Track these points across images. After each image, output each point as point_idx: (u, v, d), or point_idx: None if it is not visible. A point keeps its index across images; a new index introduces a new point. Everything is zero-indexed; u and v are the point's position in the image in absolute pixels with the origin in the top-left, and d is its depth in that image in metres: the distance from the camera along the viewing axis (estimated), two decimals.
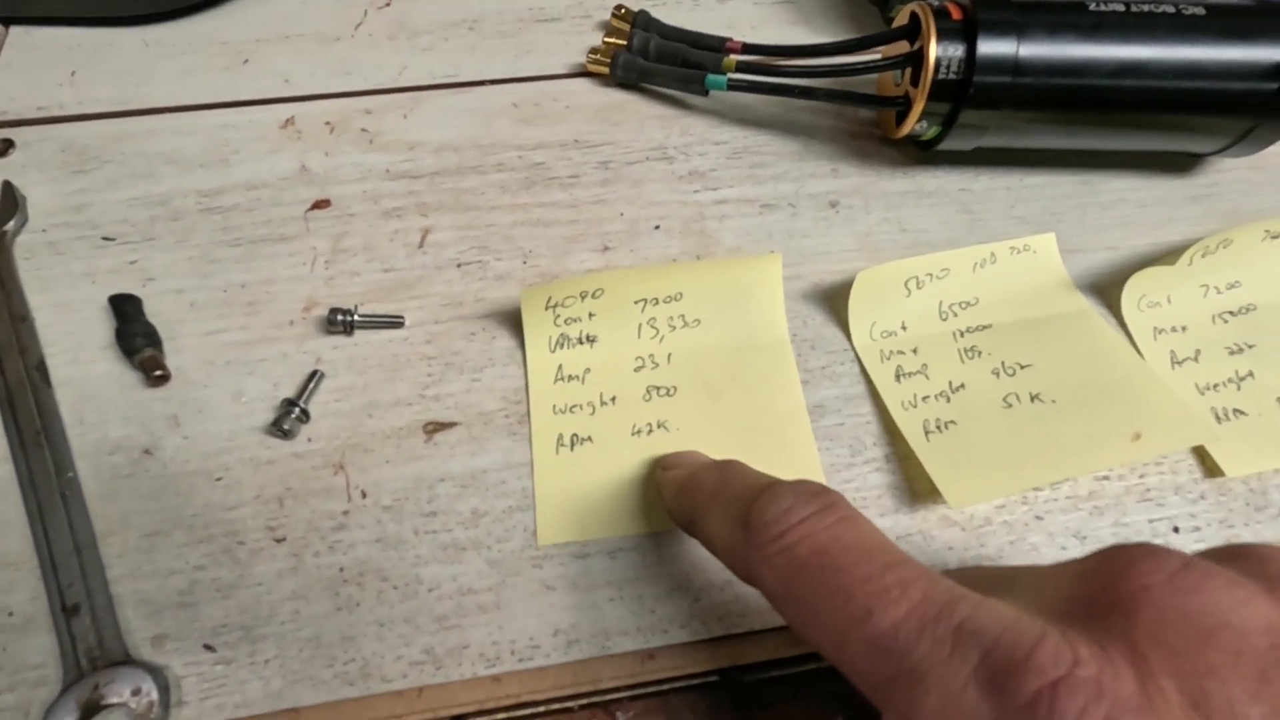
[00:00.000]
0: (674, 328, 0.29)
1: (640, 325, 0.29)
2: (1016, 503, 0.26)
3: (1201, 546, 0.25)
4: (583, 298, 0.28)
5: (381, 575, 0.24)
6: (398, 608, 0.23)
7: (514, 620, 0.23)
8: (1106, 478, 0.26)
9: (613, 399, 0.28)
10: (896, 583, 0.16)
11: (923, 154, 0.33)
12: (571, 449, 0.27)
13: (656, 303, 0.29)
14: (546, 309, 0.28)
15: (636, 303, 0.28)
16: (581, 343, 0.28)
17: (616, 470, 0.26)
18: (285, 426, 0.25)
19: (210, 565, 0.24)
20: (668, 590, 0.24)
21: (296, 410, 0.26)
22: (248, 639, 0.23)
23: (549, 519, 0.25)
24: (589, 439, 0.27)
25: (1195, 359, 0.29)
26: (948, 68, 0.29)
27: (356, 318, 0.28)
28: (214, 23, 0.37)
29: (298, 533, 0.24)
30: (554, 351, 0.28)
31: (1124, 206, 0.33)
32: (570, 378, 0.28)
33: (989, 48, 0.28)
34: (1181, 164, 0.34)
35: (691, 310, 0.29)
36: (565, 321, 0.28)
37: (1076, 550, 0.25)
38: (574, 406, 0.27)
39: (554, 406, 0.27)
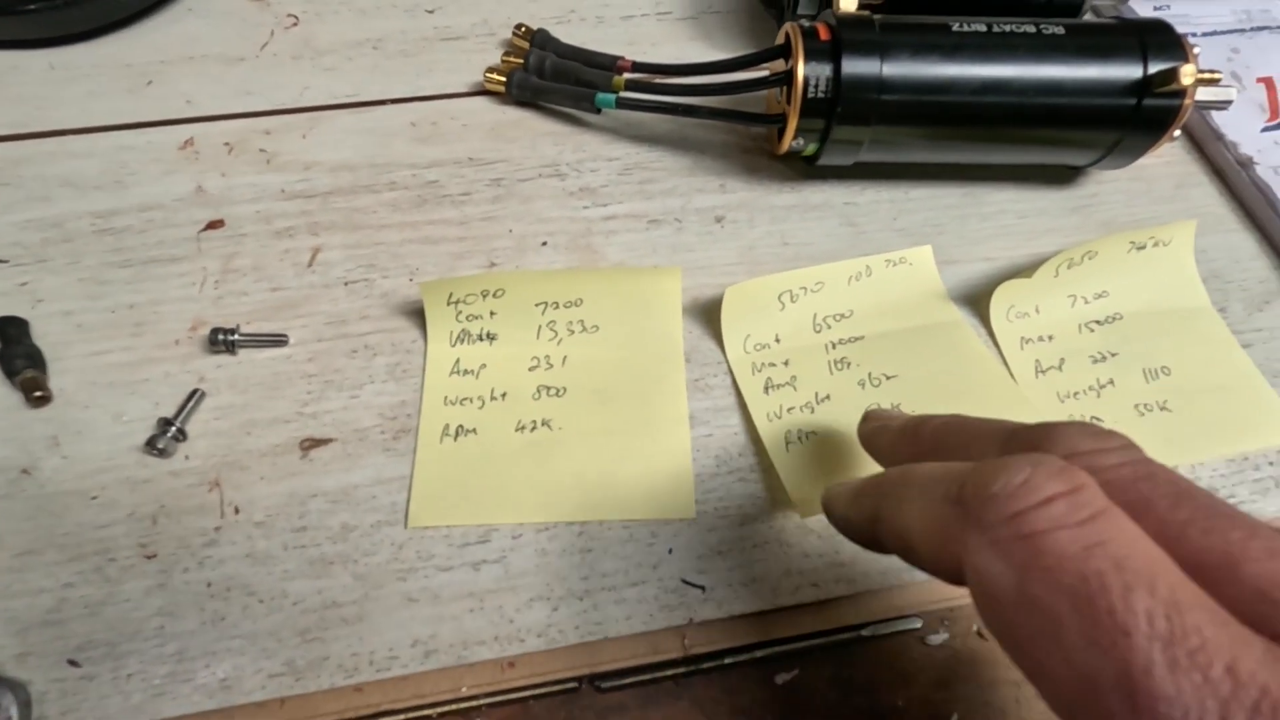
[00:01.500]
0: (572, 332, 0.29)
1: (540, 327, 0.29)
2: None
3: None
4: (484, 296, 0.29)
5: (248, 590, 0.24)
6: (262, 621, 0.24)
7: (375, 632, 0.24)
8: None
9: (503, 395, 0.28)
10: (1195, 634, 0.12)
11: (810, 169, 0.34)
12: (455, 439, 0.27)
13: (557, 306, 0.29)
14: (449, 304, 0.29)
15: (537, 305, 0.29)
16: (482, 339, 0.29)
17: (495, 462, 0.27)
18: (160, 445, 0.26)
19: (80, 583, 0.24)
20: (528, 600, 0.25)
21: (172, 429, 0.26)
22: (112, 655, 0.23)
23: (422, 504, 0.26)
24: (474, 431, 0.27)
25: (1059, 367, 0.30)
26: (816, 86, 0.30)
27: (238, 337, 0.28)
28: (120, 45, 0.37)
29: (168, 549, 0.25)
30: (454, 345, 0.29)
31: (1004, 217, 0.34)
32: (466, 372, 0.29)
33: (853, 67, 0.29)
34: (1063, 176, 0.35)
35: (591, 316, 0.29)
36: (467, 318, 0.29)
37: None
38: (465, 399, 0.28)
39: (445, 398, 0.28)
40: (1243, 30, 0.39)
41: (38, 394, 0.27)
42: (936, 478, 0.16)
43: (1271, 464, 0.28)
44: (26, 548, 0.25)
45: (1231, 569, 0.14)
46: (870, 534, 0.19)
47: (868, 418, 0.24)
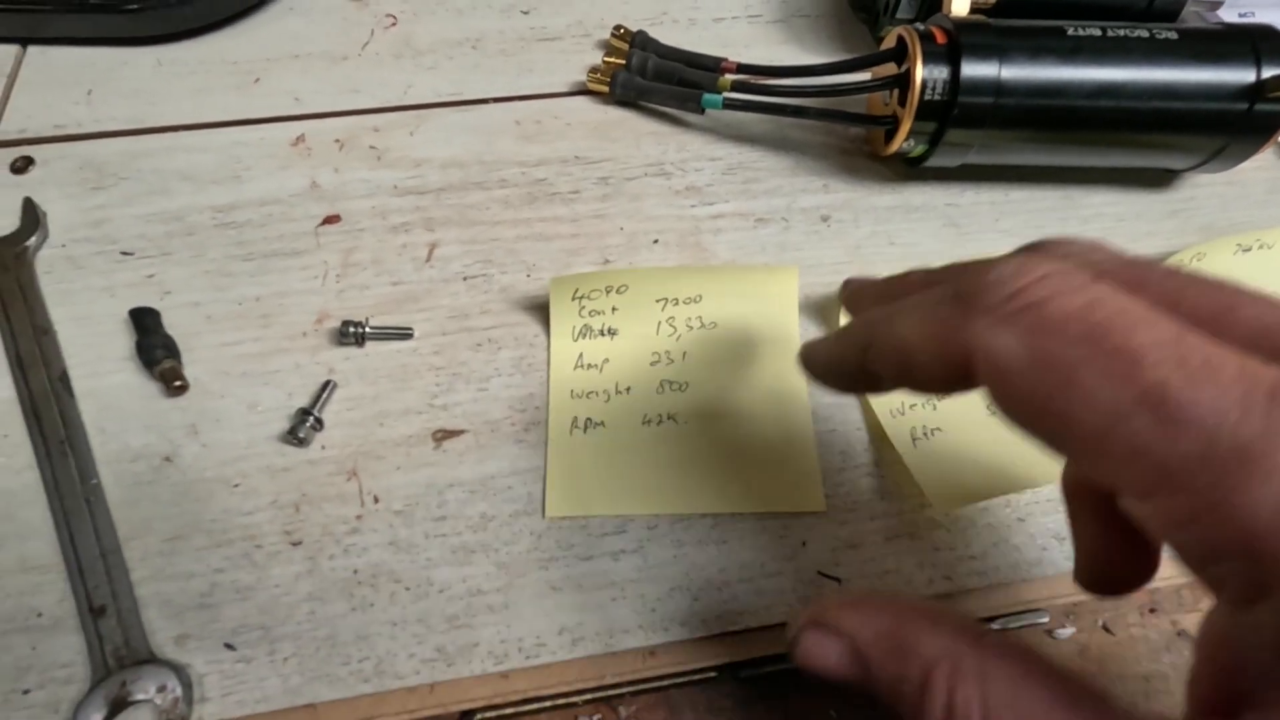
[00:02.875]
0: (691, 328, 0.30)
1: (660, 323, 0.30)
2: (1000, 505, 0.27)
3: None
4: (607, 292, 0.29)
5: (394, 577, 0.25)
6: (410, 608, 0.24)
7: (521, 620, 0.24)
8: None
9: (628, 389, 0.29)
10: (1198, 352, 0.13)
11: (910, 170, 0.35)
12: (585, 431, 0.28)
13: (677, 303, 0.30)
14: (573, 299, 0.29)
15: (658, 301, 0.30)
16: (603, 334, 0.30)
17: (625, 454, 0.27)
18: (300, 435, 0.26)
19: (229, 568, 0.25)
20: (668, 590, 0.25)
21: (311, 419, 0.27)
22: (266, 638, 0.24)
23: (557, 494, 0.26)
24: (602, 424, 0.28)
25: None
26: (933, 89, 0.30)
27: (368, 330, 0.29)
28: (224, 42, 0.38)
29: (313, 536, 0.25)
30: (576, 340, 0.29)
31: (1103, 220, 0.34)
32: (589, 366, 0.29)
33: (972, 70, 0.30)
34: (1159, 179, 0.35)
35: (710, 313, 0.30)
36: (589, 313, 0.29)
37: (1056, 551, 0.26)
38: (590, 393, 0.29)
39: (571, 391, 0.29)
40: None
41: (177, 383, 0.27)
42: (929, 292, 0.17)
43: None
44: (175, 533, 0.25)
45: (1228, 313, 0.15)
46: (859, 365, 0.19)
47: (848, 284, 0.25)
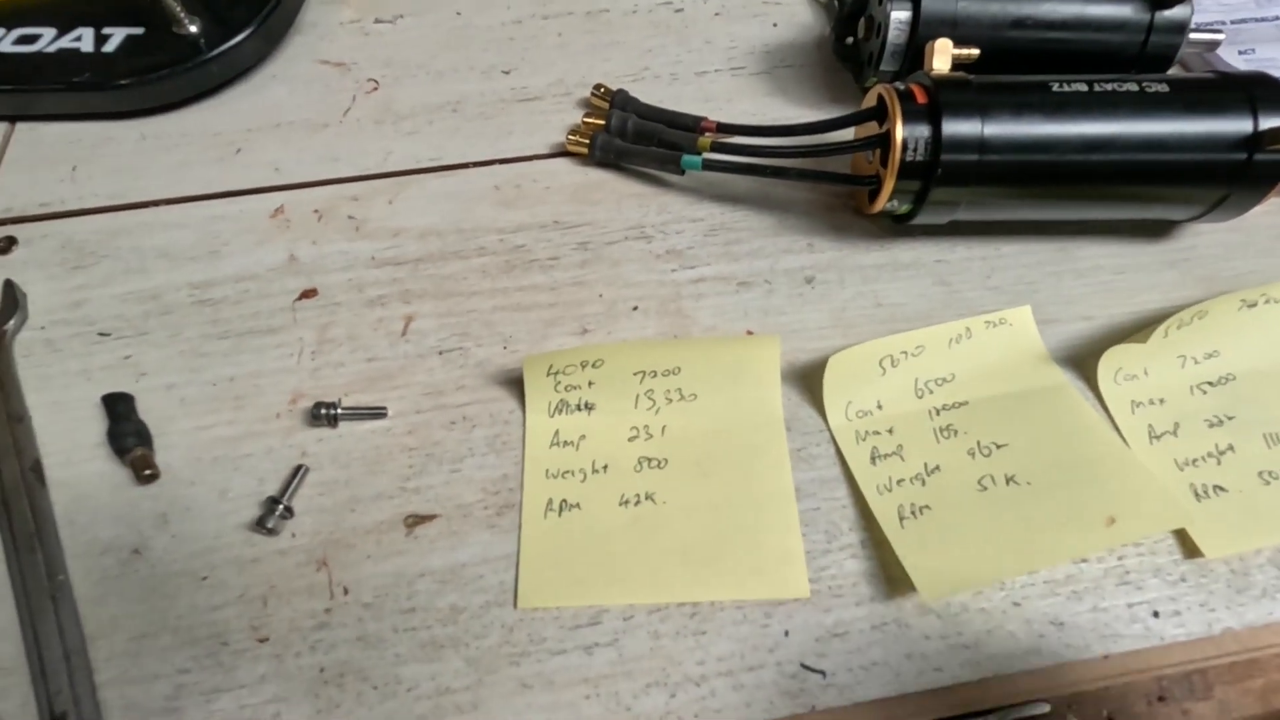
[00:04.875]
0: (670, 400, 0.29)
1: (638, 396, 0.29)
2: (994, 589, 0.25)
3: (1181, 632, 0.25)
4: (583, 366, 0.29)
5: (361, 675, 0.24)
6: (377, 709, 0.24)
7: None
8: (1085, 560, 0.26)
9: (604, 467, 0.28)
10: None
11: (898, 226, 0.34)
12: (559, 514, 0.27)
13: (655, 375, 0.29)
14: (548, 375, 0.29)
15: (635, 374, 0.29)
16: (579, 409, 0.29)
17: (601, 539, 0.26)
18: (269, 525, 0.26)
19: (195, 668, 0.24)
20: (644, 687, 0.24)
21: (280, 508, 0.26)
22: None
23: (530, 584, 0.25)
24: (577, 505, 0.27)
25: (1174, 432, 0.29)
26: (914, 149, 0.29)
27: (340, 411, 0.28)
28: (207, 114, 0.38)
29: (280, 632, 0.25)
30: (552, 416, 0.29)
31: (1100, 273, 0.33)
32: (565, 443, 0.28)
33: (954, 128, 0.29)
34: (1158, 228, 0.34)
35: (689, 385, 0.29)
36: (565, 389, 0.29)
37: (1055, 638, 0.25)
38: (566, 472, 0.28)
39: (547, 471, 0.28)
40: None
41: (147, 472, 0.27)
42: None
43: None
44: (142, 631, 0.25)
45: None
46: None
47: None
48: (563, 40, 0.41)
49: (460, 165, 0.36)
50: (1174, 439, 0.28)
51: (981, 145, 0.29)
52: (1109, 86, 0.29)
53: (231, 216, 0.34)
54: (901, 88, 0.30)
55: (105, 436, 0.28)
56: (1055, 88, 0.29)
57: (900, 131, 0.29)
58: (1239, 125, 0.29)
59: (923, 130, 0.29)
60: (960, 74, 0.30)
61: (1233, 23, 0.41)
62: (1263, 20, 0.41)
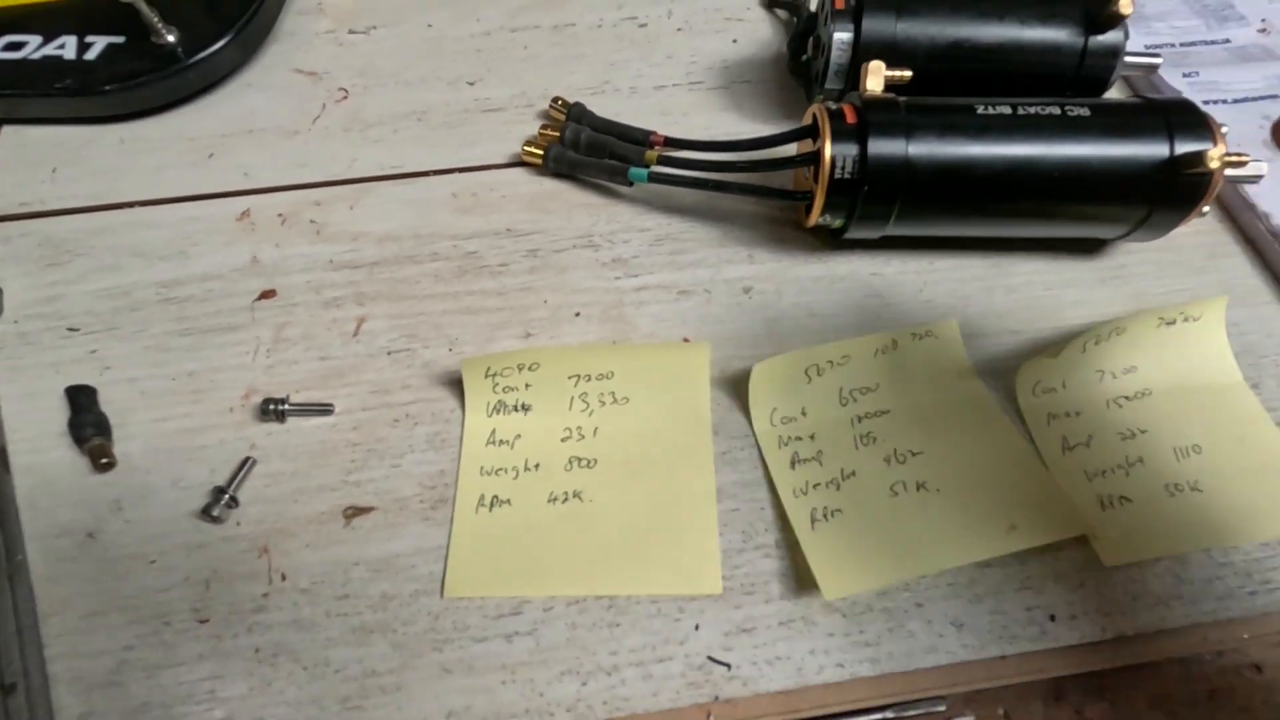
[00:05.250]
0: (603, 403, 0.30)
1: (572, 398, 0.30)
2: (899, 589, 0.27)
3: (1076, 635, 0.26)
4: (520, 369, 0.30)
5: (294, 656, 0.26)
6: (306, 688, 0.25)
7: (411, 702, 0.25)
8: (989, 564, 0.27)
9: (536, 465, 0.29)
10: None
11: (836, 240, 0.35)
12: (490, 509, 0.28)
13: (589, 379, 0.30)
14: (486, 377, 0.30)
15: (570, 377, 0.30)
16: (517, 410, 0.30)
17: (528, 534, 0.28)
18: (214, 513, 0.28)
19: (139, 645, 0.26)
20: (559, 674, 0.25)
21: (225, 498, 0.28)
22: (166, 718, 0.25)
23: (457, 574, 0.27)
24: (508, 501, 0.29)
25: (1086, 444, 0.30)
26: (843, 166, 0.30)
27: (288, 407, 0.30)
28: (185, 119, 0.40)
29: (220, 614, 0.26)
30: (490, 416, 0.30)
31: (1032, 289, 0.34)
32: (501, 442, 0.30)
33: (879, 148, 0.30)
34: (1091, 246, 0.35)
35: (621, 388, 0.30)
36: (503, 390, 0.30)
37: (954, 639, 0.26)
38: (499, 470, 0.29)
39: (482, 468, 0.29)
40: (1275, 96, 0.39)
41: (104, 460, 0.29)
42: None
43: None
44: (92, 609, 0.26)
45: None
46: None
47: None
48: (529, 53, 0.43)
49: (421, 173, 0.38)
50: (1086, 450, 0.29)
51: (907, 164, 0.30)
52: (1032, 110, 0.31)
53: (202, 218, 0.36)
54: (834, 107, 0.31)
55: (67, 426, 0.30)
56: (980, 110, 0.31)
57: (829, 149, 0.30)
58: (1156, 149, 0.30)
59: (851, 149, 0.30)
60: (890, 95, 0.31)
61: (1182, 45, 0.42)
62: (1212, 44, 0.42)
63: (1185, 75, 0.40)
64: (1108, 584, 0.27)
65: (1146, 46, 0.42)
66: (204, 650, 0.26)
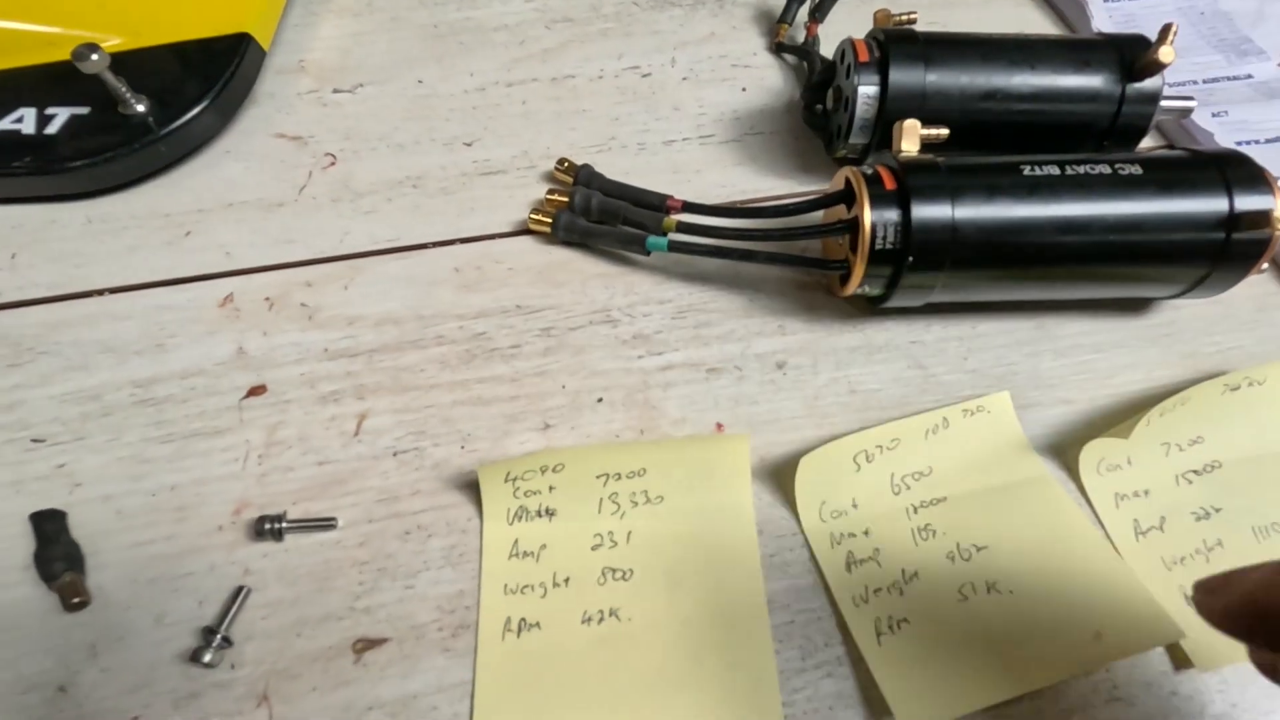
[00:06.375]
0: (636, 504, 0.28)
1: (601, 500, 0.28)
2: (979, 713, 0.24)
3: None
4: (543, 471, 0.27)
5: None
6: None
7: None
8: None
9: (566, 580, 0.26)
10: None
11: (871, 306, 0.33)
12: (518, 635, 0.25)
13: (619, 478, 0.28)
14: (506, 481, 0.27)
15: (599, 477, 0.28)
16: (540, 515, 0.27)
17: (562, 663, 0.25)
18: (206, 658, 0.24)
19: None
20: None
21: (217, 638, 0.24)
22: None
23: (487, 716, 0.24)
24: (537, 624, 0.26)
25: (1160, 527, 0.27)
26: (884, 235, 0.28)
27: (285, 525, 0.27)
28: (158, 193, 0.37)
29: None
30: (512, 524, 0.27)
31: (1080, 352, 0.32)
32: (525, 554, 0.27)
33: (923, 213, 0.28)
34: (1138, 304, 0.33)
35: (655, 487, 0.28)
36: (525, 494, 0.27)
37: None
38: (526, 587, 0.26)
39: (505, 586, 0.26)
40: None
41: (75, 600, 0.25)
42: None
43: None
44: None
45: None
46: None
47: (1200, 586, 0.19)
48: (527, 109, 0.40)
49: (420, 246, 0.35)
50: (1160, 534, 0.27)
51: (953, 230, 0.28)
52: (1081, 169, 0.29)
53: (179, 306, 0.33)
54: (869, 172, 0.29)
55: (33, 559, 0.26)
56: (1026, 170, 0.29)
57: (869, 218, 0.28)
58: (1215, 205, 0.28)
59: (892, 215, 0.28)
60: (929, 156, 0.29)
61: (1205, 82, 0.41)
62: (1234, 79, 0.41)
63: (1215, 115, 0.38)
64: (1202, 690, 0.24)
65: (1168, 85, 0.41)
66: None
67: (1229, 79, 0.41)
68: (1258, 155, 0.37)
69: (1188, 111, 0.35)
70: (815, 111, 0.38)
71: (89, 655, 0.25)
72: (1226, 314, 0.33)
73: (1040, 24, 0.45)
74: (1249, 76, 0.41)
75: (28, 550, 0.27)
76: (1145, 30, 0.35)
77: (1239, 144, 0.37)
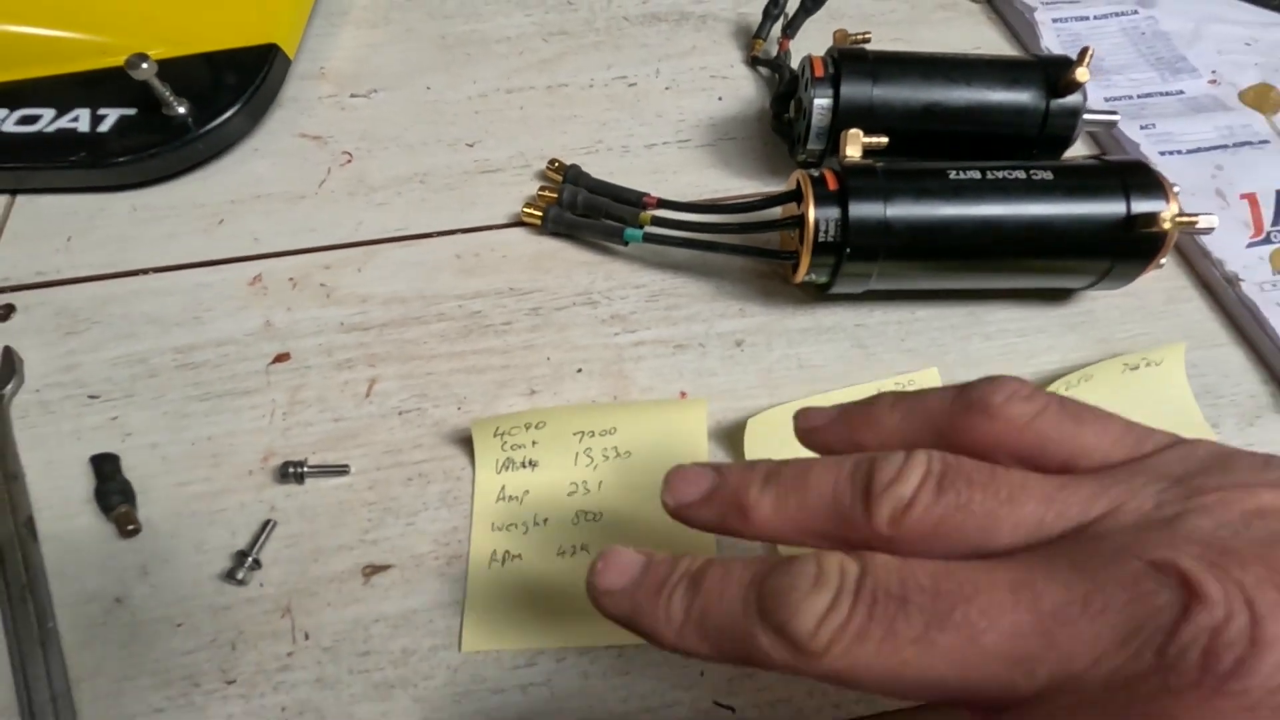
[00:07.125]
0: (607, 458, 0.32)
1: (577, 454, 0.32)
2: None
3: None
4: (527, 428, 0.32)
5: (319, 714, 0.27)
6: None
7: None
8: None
9: (545, 520, 0.31)
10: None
11: (821, 293, 0.37)
12: (503, 564, 0.30)
13: (593, 435, 0.32)
14: (495, 436, 0.32)
15: (575, 434, 0.32)
16: (524, 466, 0.32)
17: (539, 587, 0.29)
18: (239, 576, 0.29)
19: (169, 708, 0.27)
20: None
21: (249, 560, 0.29)
22: None
23: (473, 628, 0.28)
24: (519, 556, 0.30)
25: None
26: (826, 230, 0.33)
27: (306, 469, 0.31)
28: (194, 186, 0.41)
29: (247, 674, 0.28)
30: (499, 473, 0.32)
31: (1006, 336, 0.36)
32: (510, 498, 0.31)
33: (860, 211, 0.32)
34: (1059, 294, 0.38)
35: (624, 444, 0.32)
36: (511, 448, 0.32)
37: None
38: (510, 525, 0.31)
39: (493, 524, 0.31)
40: (1225, 146, 0.42)
41: (130, 527, 0.30)
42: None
43: None
44: (122, 674, 0.27)
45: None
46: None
47: (800, 416, 0.25)
48: (524, 114, 0.45)
49: (425, 235, 0.40)
50: None
51: (886, 226, 0.32)
52: (1000, 174, 0.33)
53: (214, 284, 0.38)
54: (816, 174, 0.33)
55: (93, 494, 0.31)
56: (952, 174, 0.33)
57: (813, 215, 0.32)
58: (1114, 208, 0.32)
59: (833, 213, 0.33)
60: (868, 161, 0.34)
61: (1140, 96, 0.45)
62: (1167, 95, 0.45)
63: (1143, 127, 0.42)
64: None
65: (1106, 99, 0.45)
66: (233, 711, 0.27)
67: (1162, 94, 0.45)
68: (1179, 165, 0.41)
69: (1113, 124, 0.39)
70: (782, 120, 0.43)
71: (140, 574, 0.30)
72: (1140, 305, 0.37)
73: (996, 42, 0.49)
74: (1180, 92, 0.45)
75: (88, 487, 0.31)
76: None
77: (1162, 154, 0.41)
